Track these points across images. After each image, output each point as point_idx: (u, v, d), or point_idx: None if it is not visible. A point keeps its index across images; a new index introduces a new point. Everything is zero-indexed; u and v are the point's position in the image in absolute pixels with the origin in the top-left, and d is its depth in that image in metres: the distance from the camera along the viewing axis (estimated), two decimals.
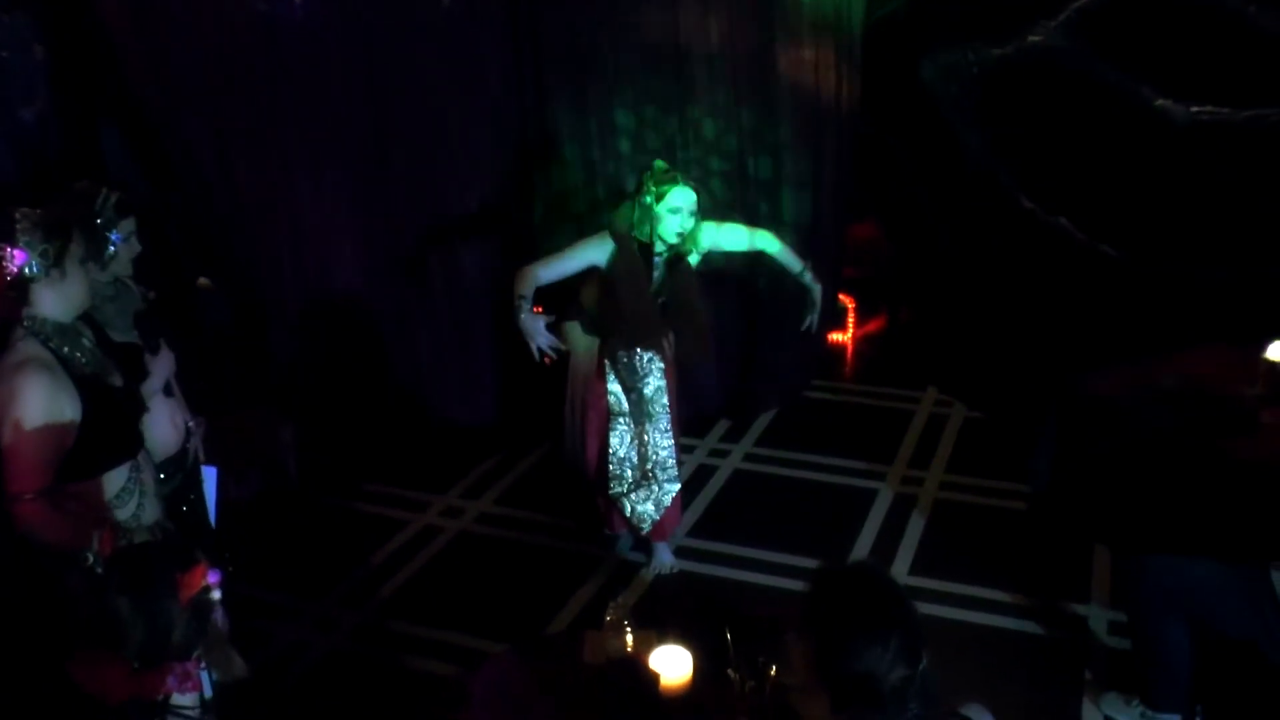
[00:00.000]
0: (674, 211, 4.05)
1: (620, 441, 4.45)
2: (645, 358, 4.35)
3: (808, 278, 4.48)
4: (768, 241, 4.48)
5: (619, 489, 4.48)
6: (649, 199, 4.05)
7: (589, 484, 4.70)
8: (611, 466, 4.47)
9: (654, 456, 4.45)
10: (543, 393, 6.07)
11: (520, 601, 4.53)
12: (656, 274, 4.26)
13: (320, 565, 4.83)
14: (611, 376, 4.40)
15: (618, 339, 4.33)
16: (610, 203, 5.15)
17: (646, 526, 4.52)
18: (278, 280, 5.57)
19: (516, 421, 5.99)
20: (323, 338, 5.67)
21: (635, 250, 4.15)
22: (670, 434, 4.47)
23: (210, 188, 5.37)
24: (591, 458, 4.57)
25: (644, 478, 4.47)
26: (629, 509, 4.50)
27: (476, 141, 5.54)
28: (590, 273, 4.30)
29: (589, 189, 5.67)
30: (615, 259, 4.16)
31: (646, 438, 4.44)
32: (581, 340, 4.51)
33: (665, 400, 4.42)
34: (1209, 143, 4.77)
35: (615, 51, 5.38)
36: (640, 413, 4.42)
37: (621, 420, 4.44)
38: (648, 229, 4.10)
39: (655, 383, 4.39)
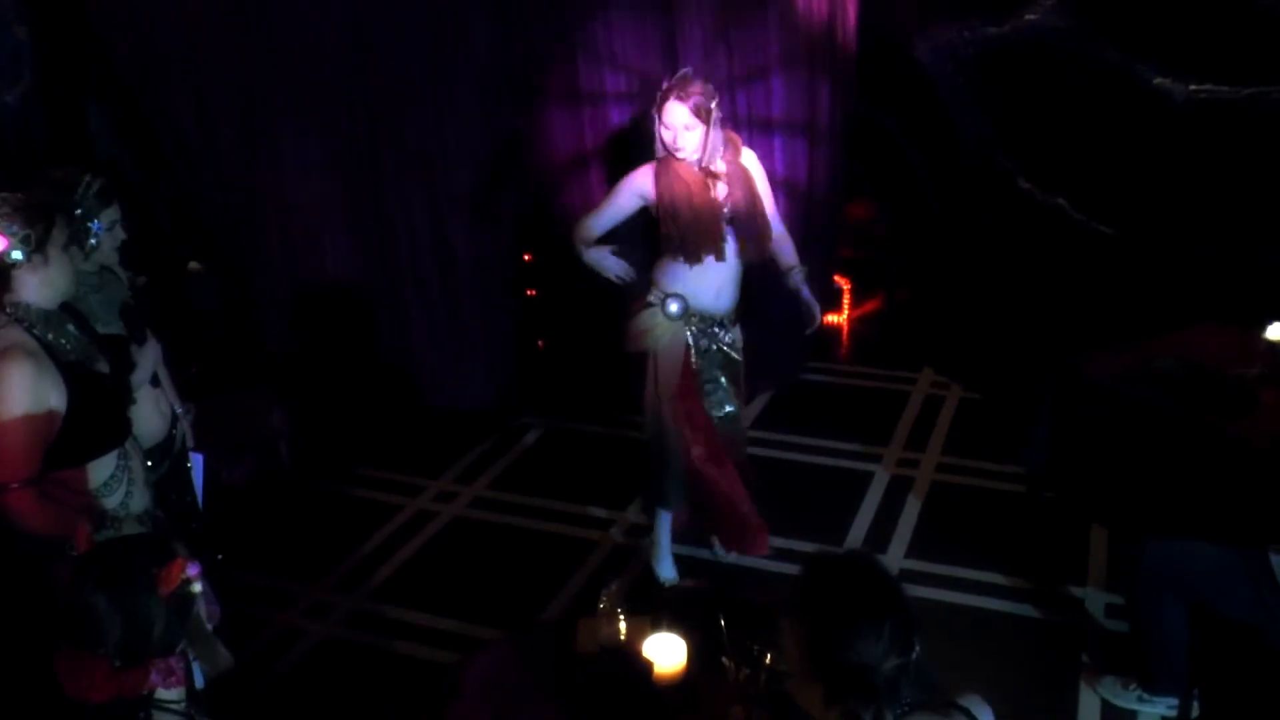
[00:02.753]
0: (668, 129, 3.91)
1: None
2: (718, 341, 4.19)
3: (796, 277, 4.23)
4: (783, 237, 4.26)
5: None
6: (654, 111, 3.95)
7: (700, 498, 4.37)
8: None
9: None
10: (536, 375, 6.07)
11: (514, 587, 4.51)
12: (713, 186, 4.01)
13: (313, 550, 4.81)
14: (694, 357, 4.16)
15: (681, 254, 4.01)
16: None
17: None
18: (268, 262, 5.54)
19: (511, 404, 5.97)
20: (314, 320, 5.65)
21: (675, 161, 3.97)
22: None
23: (198, 169, 5.34)
24: (701, 467, 4.24)
25: None
26: None
27: (464, 119, 5.49)
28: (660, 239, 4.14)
29: (578, 164, 5.62)
30: (659, 177, 4.00)
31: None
32: (665, 327, 4.11)
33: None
34: (1208, 121, 4.74)
35: (608, 29, 5.33)
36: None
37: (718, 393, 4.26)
38: (658, 145, 3.98)
39: (728, 372, 4.25)
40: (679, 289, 4.07)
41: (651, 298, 4.12)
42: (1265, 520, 3.40)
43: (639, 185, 4.03)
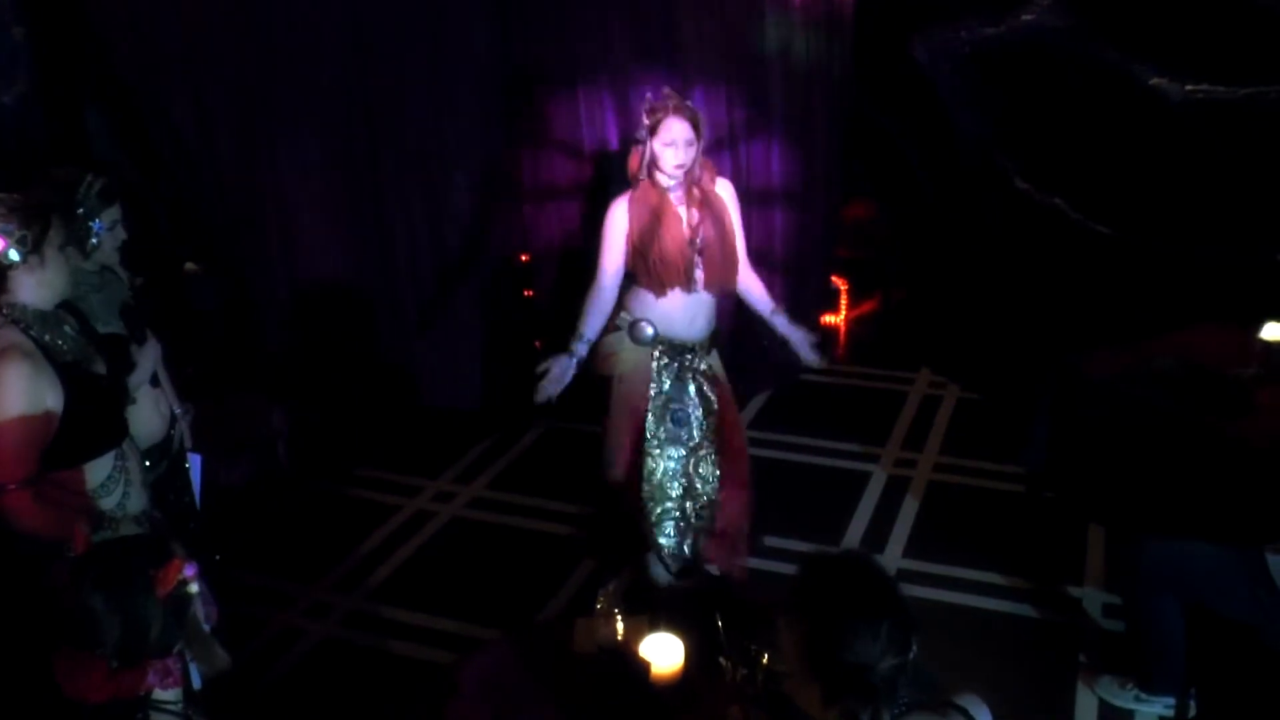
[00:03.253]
0: (669, 145, 3.77)
1: (657, 464, 4.09)
2: (691, 369, 4.04)
3: (779, 321, 4.11)
4: (751, 279, 4.12)
5: (653, 513, 4.09)
6: (643, 134, 3.83)
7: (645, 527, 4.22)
8: (645, 489, 4.06)
9: (702, 491, 4.12)
10: (534, 375, 6.05)
11: (513, 587, 4.51)
12: (685, 214, 3.90)
13: (312, 551, 4.81)
14: (662, 380, 4.02)
15: (646, 285, 3.90)
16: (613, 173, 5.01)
17: (667, 565, 4.12)
18: (266, 263, 5.53)
19: (509, 404, 5.96)
20: (312, 321, 5.64)
21: (651, 190, 3.86)
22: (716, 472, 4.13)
23: (197, 170, 5.33)
24: (618, 479, 4.13)
25: (683, 512, 4.10)
26: (659, 539, 4.10)
27: (464, 120, 5.49)
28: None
29: (577, 167, 5.63)
30: (633, 205, 3.88)
31: (699, 470, 4.10)
32: (631, 352, 4.00)
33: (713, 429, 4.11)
34: (1205, 121, 4.74)
35: (604, 31, 5.33)
36: (691, 437, 4.08)
37: (660, 437, 4.05)
38: (650, 167, 3.83)
39: (704, 405, 4.07)
40: (650, 315, 3.94)
41: (619, 320, 3.99)
42: (1262, 520, 3.40)
43: (618, 221, 3.89)
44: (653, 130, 3.80)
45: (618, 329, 4.02)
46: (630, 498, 4.16)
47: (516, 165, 5.73)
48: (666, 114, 3.79)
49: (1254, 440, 3.72)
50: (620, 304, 4.02)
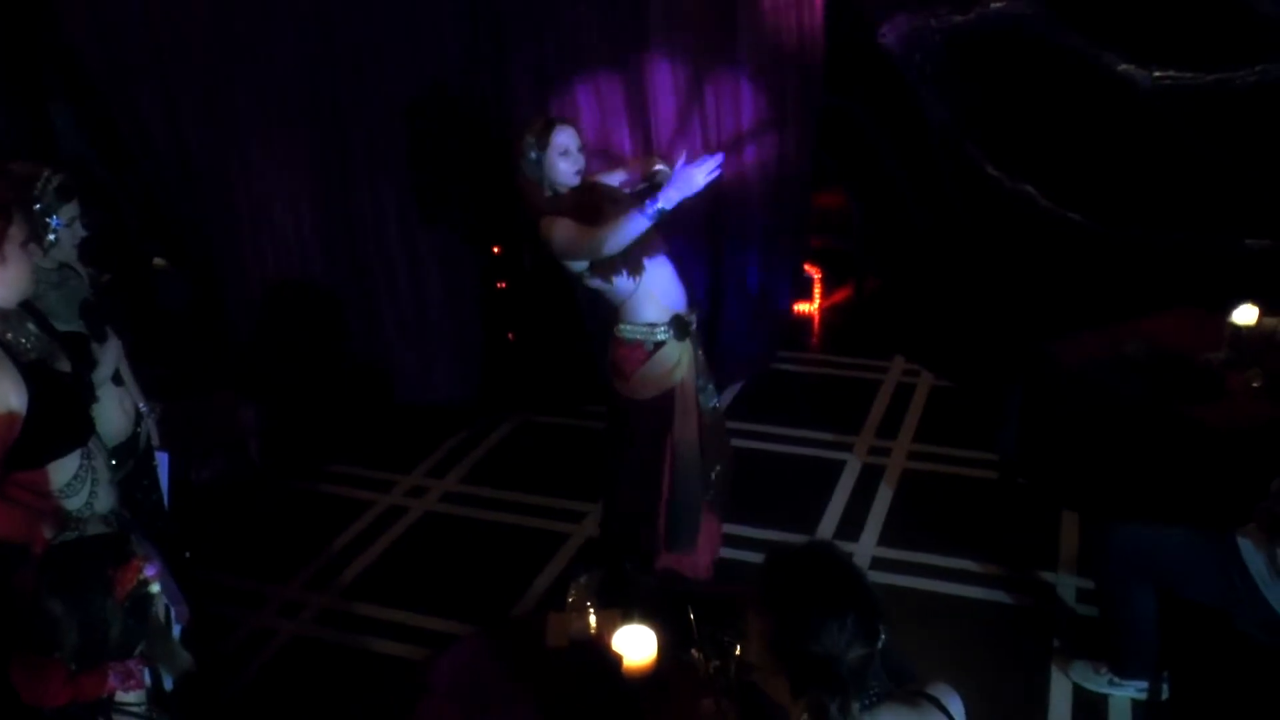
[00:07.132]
0: (564, 154, 3.66)
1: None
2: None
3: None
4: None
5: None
6: (531, 153, 3.66)
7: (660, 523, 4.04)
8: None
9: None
10: (507, 368, 6.04)
11: (486, 582, 4.49)
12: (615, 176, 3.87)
13: (284, 548, 4.78)
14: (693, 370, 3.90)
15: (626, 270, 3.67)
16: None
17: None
18: (236, 258, 5.50)
19: (481, 398, 5.95)
20: (283, 316, 5.61)
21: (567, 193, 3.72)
22: None
23: (165, 166, 5.29)
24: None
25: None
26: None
27: (434, 113, 5.46)
28: None
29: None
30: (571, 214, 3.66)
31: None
32: (676, 353, 3.82)
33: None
34: (1173, 108, 4.77)
35: (574, 14, 5.30)
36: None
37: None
38: (550, 183, 3.70)
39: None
40: (660, 307, 3.77)
41: (657, 336, 3.77)
42: (1232, 504, 3.42)
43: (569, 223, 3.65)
44: (542, 146, 3.67)
45: (660, 342, 3.79)
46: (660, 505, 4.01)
47: (489, 159, 5.70)
48: (551, 128, 3.68)
49: (1224, 424, 3.74)
50: (617, 335, 3.82)
